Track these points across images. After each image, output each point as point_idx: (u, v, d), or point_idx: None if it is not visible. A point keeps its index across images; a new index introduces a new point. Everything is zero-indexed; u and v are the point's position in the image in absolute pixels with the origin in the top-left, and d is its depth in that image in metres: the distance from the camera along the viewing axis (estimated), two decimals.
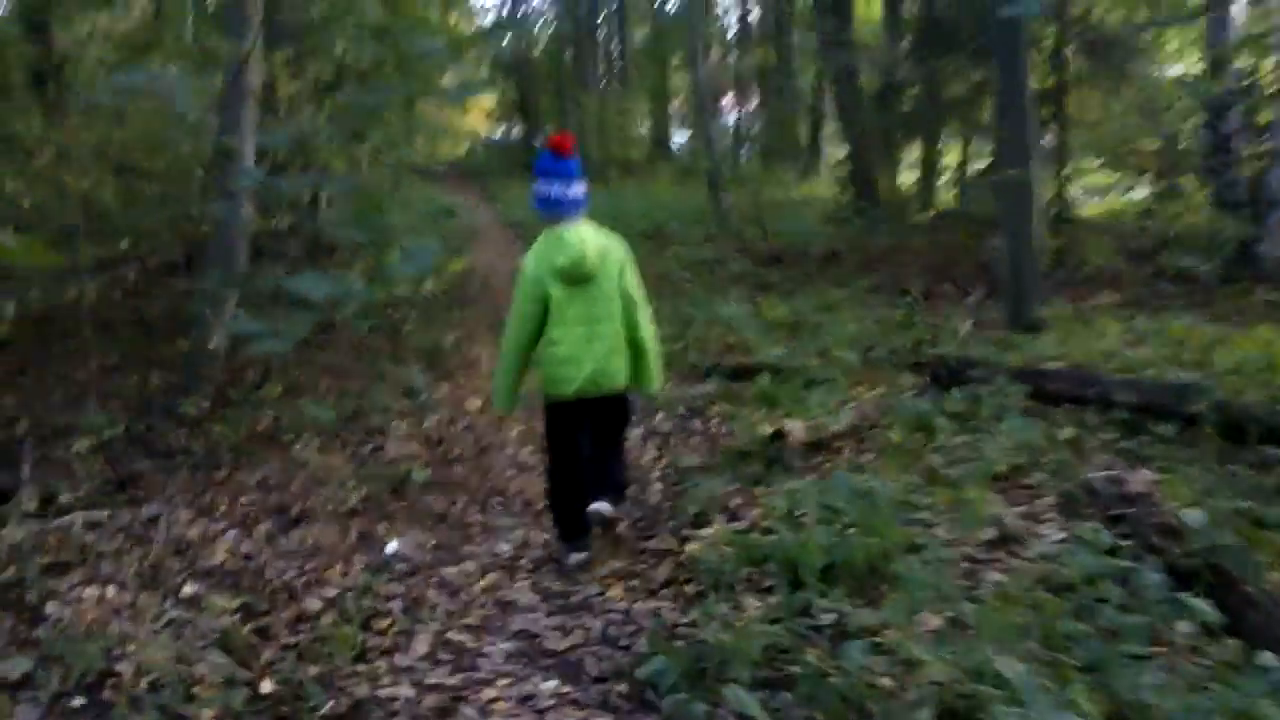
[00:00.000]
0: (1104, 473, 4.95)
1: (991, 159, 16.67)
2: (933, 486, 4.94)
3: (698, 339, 8.32)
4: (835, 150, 27.33)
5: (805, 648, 3.39)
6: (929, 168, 19.41)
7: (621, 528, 4.76)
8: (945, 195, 18.37)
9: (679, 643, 3.52)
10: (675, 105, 36.47)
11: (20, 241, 1.64)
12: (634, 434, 6.17)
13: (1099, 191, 16.24)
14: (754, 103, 31.95)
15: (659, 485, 5.33)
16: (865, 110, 17.99)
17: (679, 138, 35.82)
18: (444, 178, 27.63)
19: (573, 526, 4.43)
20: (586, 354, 4.26)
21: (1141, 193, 15.72)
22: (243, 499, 5.10)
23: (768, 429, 5.52)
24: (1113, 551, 4.08)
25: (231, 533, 4.67)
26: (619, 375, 4.38)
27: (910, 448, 5.48)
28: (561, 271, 4.22)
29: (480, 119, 38.68)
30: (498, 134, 39.75)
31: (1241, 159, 11.97)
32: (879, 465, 5.25)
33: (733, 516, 4.72)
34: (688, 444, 5.96)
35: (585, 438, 4.49)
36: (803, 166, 27.07)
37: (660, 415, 6.59)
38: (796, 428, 5.44)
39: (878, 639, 3.44)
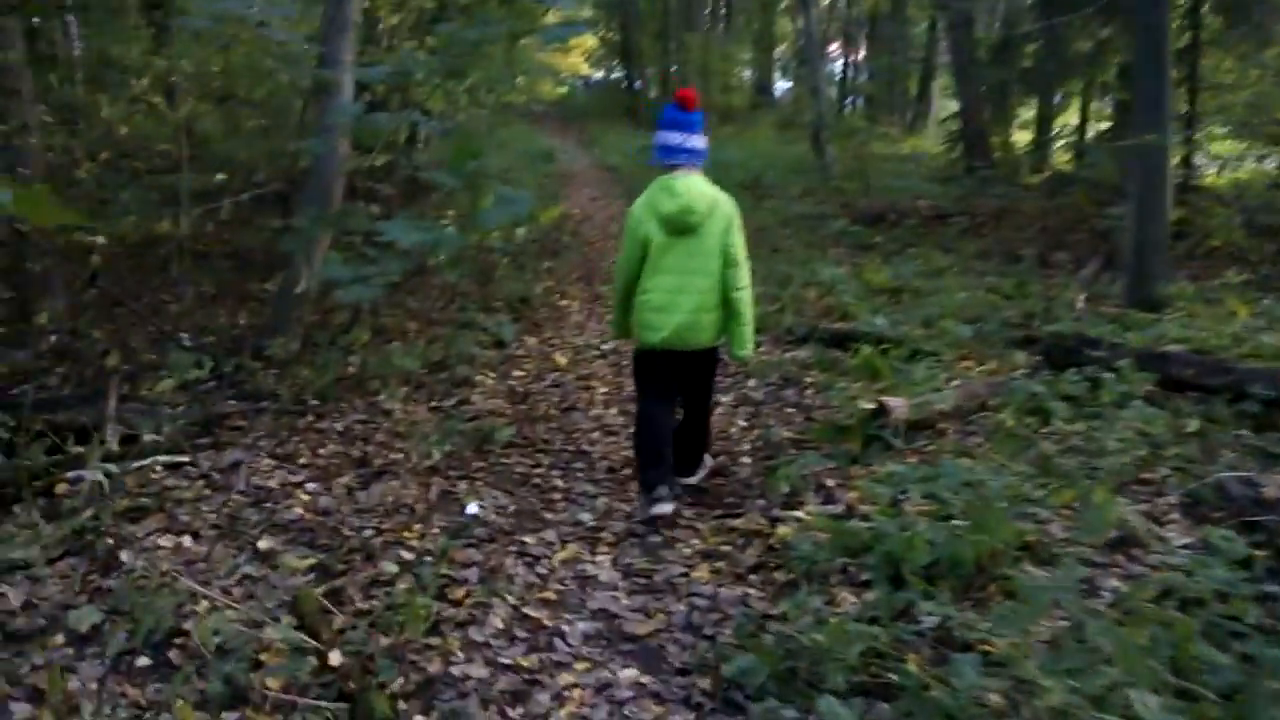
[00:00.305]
0: (1236, 473, 4.57)
1: (1113, 121, 15.83)
2: (1045, 478, 4.61)
3: (794, 300, 7.98)
4: (945, 104, 26.39)
5: (906, 654, 3.14)
6: (1043, 127, 18.53)
7: (707, 498, 4.60)
8: (1060, 157, 17.49)
9: (768, 637, 3.30)
10: (779, 52, 35.58)
11: (21, 194, 1.44)
12: (724, 401, 5.94)
13: (1224, 160, 15.22)
14: (861, 52, 30.97)
15: (748, 459, 5.08)
16: (981, 63, 17.20)
17: (781, 86, 34.97)
18: (543, 119, 27.46)
19: (652, 475, 4.37)
20: (675, 305, 4.27)
21: (1271, 164, 14.74)
22: (324, 449, 5.01)
23: (868, 404, 5.21)
24: (1246, 563, 3.74)
25: (312, 484, 4.57)
26: (707, 332, 4.35)
27: (1021, 433, 5.13)
28: (666, 219, 4.24)
29: (581, 60, 38.35)
30: (598, 76, 39.38)
31: None
32: (987, 451, 4.92)
33: (828, 498, 4.46)
34: (780, 414, 5.69)
35: (672, 393, 4.53)
36: (910, 120, 26.22)
37: (752, 382, 6.32)
38: (899, 404, 5.12)
39: (986, 648, 3.18)
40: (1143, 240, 7.86)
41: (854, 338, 6.90)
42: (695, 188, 4.26)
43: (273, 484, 4.55)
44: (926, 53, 26.01)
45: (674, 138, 4.31)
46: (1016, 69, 15.50)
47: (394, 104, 7.55)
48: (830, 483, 4.58)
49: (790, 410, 5.75)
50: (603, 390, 6.25)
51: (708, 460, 4.91)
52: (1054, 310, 7.94)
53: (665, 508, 4.31)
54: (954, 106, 20.50)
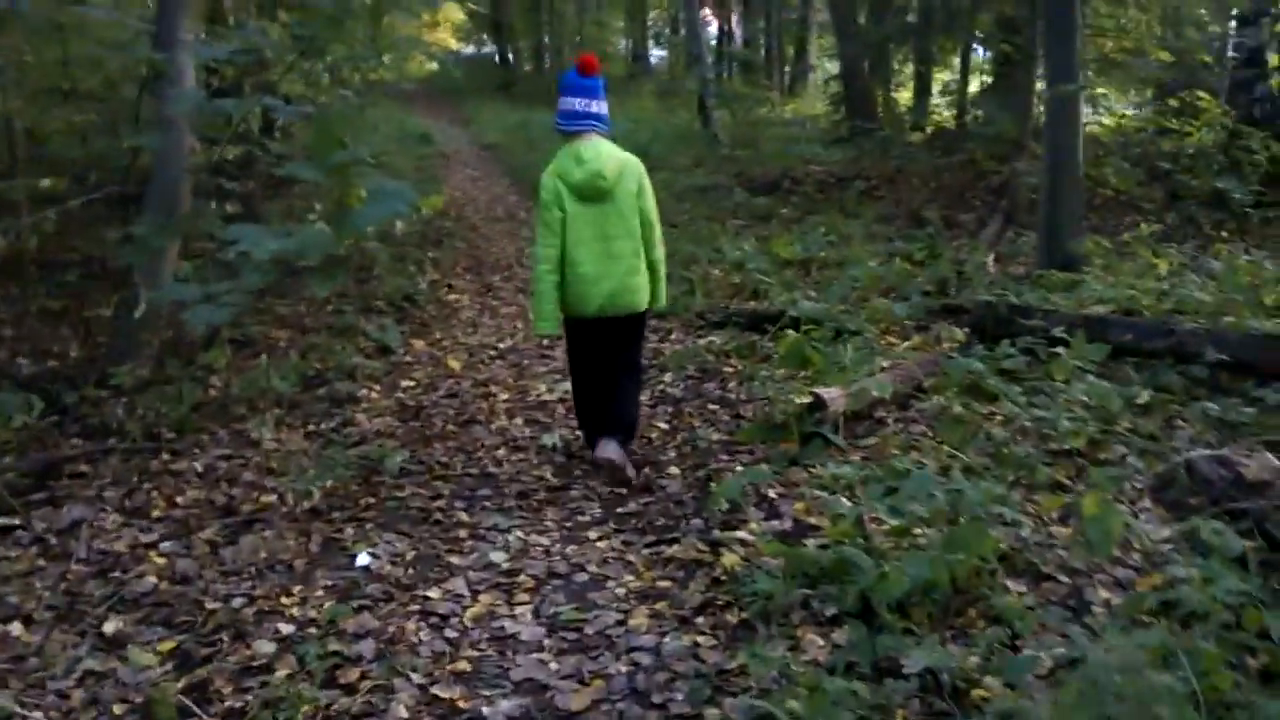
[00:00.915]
0: (1205, 451, 4.21)
1: (993, 74, 15.71)
2: (1002, 468, 4.20)
3: (702, 281, 7.45)
4: (820, 66, 26.20)
5: (895, 713, 2.65)
6: (922, 83, 18.38)
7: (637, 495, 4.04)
8: (941, 114, 17.32)
9: (731, 701, 2.77)
10: (651, 19, 34.97)
11: None
12: (641, 399, 5.38)
13: (1100, 107, 15.14)
14: (734, 16, 30.55)
15: (675, 468, 4.52)
16: (861, 21, 16.90)
17: (656, 54, 34.38)
18: (414, 98, 26.34)
19: (598, 429, 4.46)
20: (607, 273, 4.26)
21: (1146, 109, 14.82)
22: (183, 496, 4.27)
23: (801, 397, 4.72)
24: (1243, 561, 3.36)
25: (168, 543, 3.85)
26: (638, 294, 4.37)
27: (966, 418, 4.72)
28: (578, 187, 4.20)
29: (450, 35, 37.11)
30: (469, 50, 38.19)
31: (1272, 72, 11.13)
32: (933, 441, 4.49)
33: (771, 511, 3.96)
34: (704, 413, 5.16)
35: (607, 359, 4.47)
36: (788, 83, 25.94)
37: (668, 376, 5.77)
38: (835, 395, 4.64)
39: (982, 694, 2.72)
40: (1055, 196, 7.56)
41: (770, 319, 6.43)
42: (603, 152, 4.24)
43: (121, 546, 3.82)
44: (802, 13, 25.73)
45: (577, 104, 4.26)
46: (900, 24, 15.19)
47: (249, 89, 6.74)
48: (772, 493, 4.07)
49: (714, 407, 5.22)
50: (504, 398, 5.61)
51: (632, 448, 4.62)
52: (968, 275, 7.61)
53: (615, 449, 4.34)
54: (831, 68, 20.32)
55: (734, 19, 30.36)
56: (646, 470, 4.51)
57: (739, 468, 4.33)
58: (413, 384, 5.86)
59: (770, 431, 4.67)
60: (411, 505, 4.20)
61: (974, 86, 16.76)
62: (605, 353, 4.45)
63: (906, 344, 6.03)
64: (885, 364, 5.40)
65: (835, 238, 8.94)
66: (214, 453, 4.76)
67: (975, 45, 16.99)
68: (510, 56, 32.83)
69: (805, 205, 11.14)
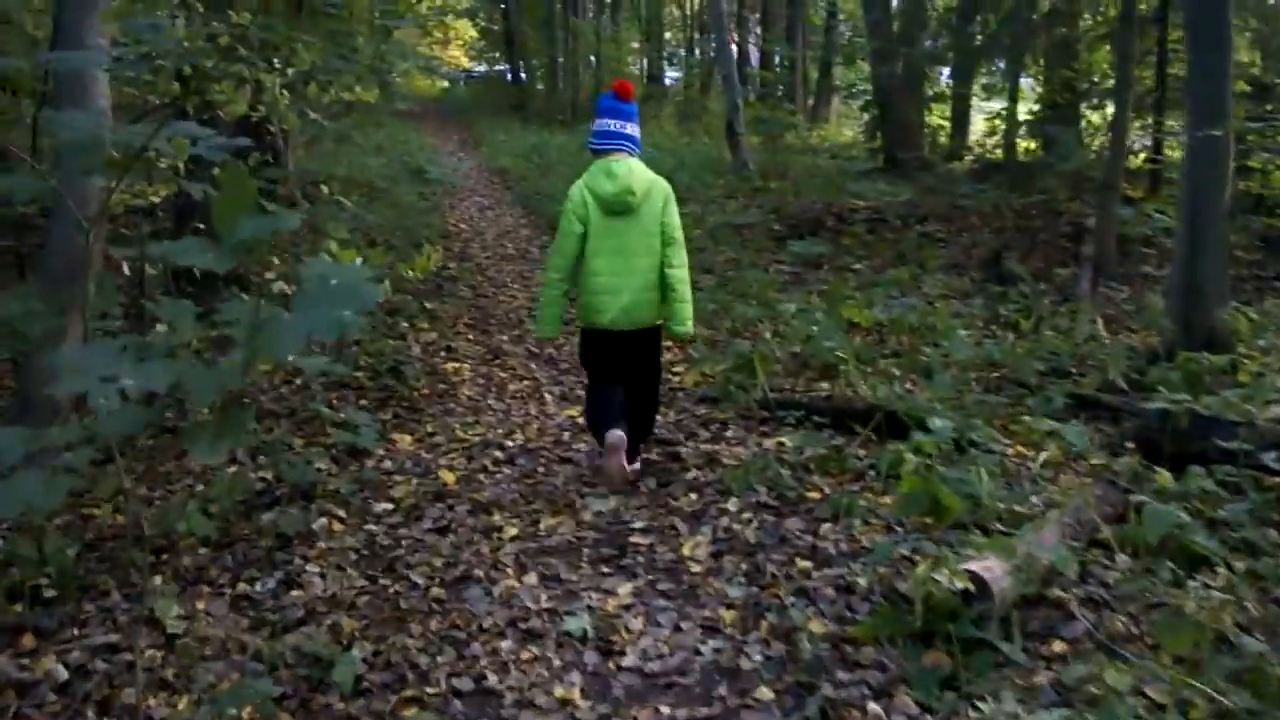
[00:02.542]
0: None
1: (1046, 103, 14.25)
2: (1267, 704, 2.73)
3: (763, 357, 5.92)
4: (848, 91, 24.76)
5: None
6: (961, 111, 16.98)
7: None
8: (983, 144, 15.81)
9: None
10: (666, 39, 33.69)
11: None
12: (700, 547, 3.91)
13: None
14: (751, 39, 29.24)
15: (767, 688, 3.02)
16: (899, 42, 15.48)
17: (671, 76, 33.10)
18: (422, 117, 25.02)
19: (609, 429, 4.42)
20: (621, 286, 4.34)
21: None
22: None
23: (950, 575, 3.21)
24: None
25: None
26: (652, 310, 4.45)
27: (1178, 603, 3.24)
28: (606, 200, 4.33)
29: (461, 52, 36.01)
30: (479, 69, 37.04)
31: None
32: (1146, 643, 3.03)
33: None
34: (793, 575, 3.66)
35: (620, 370, 4.50)
36: (812, 109, 24.57)
37: (733, 504, 4.28)
38: (999, 574, 3.17)
39: None
40: (1195, 257, 6.06)
41: (857, 415, 4.96)
42: (635, 170, 4.38)
43: None
44: (826, 37, 24.40)
45: (611, 124, 4.44)
46: (961, 44, 13.78)
47: (192, 112, 5.33)
48: None
49: (806, 564, 3.72)
50: (513, 533, 4.09)
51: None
52: (1085, 350, 6.16)
53: (620, 434, 4.32)
54: (863, 93, 18.88)
55: (750, 40, 29.07)
56: (721, 690, 3.02)
57: (872, 705, 2.85)
58: (390, 508, 4.36)
59: (902, 623, 3.19)
60: None
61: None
62: (621, 366, 4.50)
63: (1043, 457, 4.56)
64: (1035, 500, 3.93)
65: (913, 298, 7.43)
66: (96, 638, 3.29)
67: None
68: (523, 75, 31.48)
69: (856, 248, 9.66)
